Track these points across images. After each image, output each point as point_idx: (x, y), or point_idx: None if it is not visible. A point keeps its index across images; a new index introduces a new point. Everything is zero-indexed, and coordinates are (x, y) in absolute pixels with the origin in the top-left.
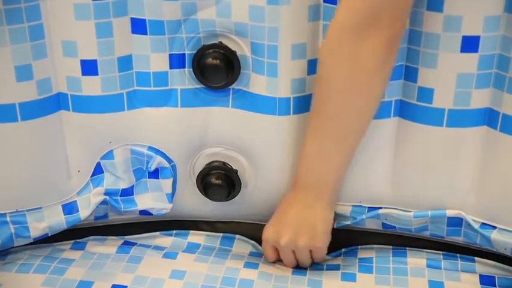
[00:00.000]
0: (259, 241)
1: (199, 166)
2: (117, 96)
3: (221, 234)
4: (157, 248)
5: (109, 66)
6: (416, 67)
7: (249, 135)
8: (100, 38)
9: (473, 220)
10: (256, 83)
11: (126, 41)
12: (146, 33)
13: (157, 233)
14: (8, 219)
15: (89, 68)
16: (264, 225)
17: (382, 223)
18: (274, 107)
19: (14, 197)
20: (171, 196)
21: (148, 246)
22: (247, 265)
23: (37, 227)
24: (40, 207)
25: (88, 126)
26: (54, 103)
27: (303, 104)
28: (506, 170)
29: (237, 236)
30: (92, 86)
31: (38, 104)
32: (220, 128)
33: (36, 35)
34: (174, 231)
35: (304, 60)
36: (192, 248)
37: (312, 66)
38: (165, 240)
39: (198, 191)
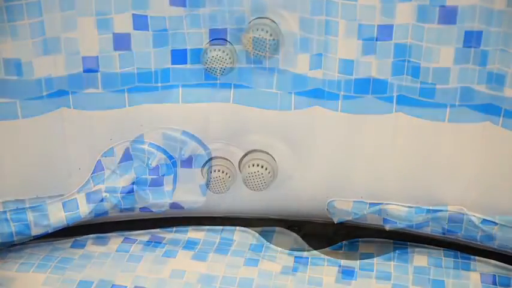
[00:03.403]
0: (260, 232)
1: (200, 162)
2: (117, 93)
3: (221, 227)
4: (158, 245)
5: (110, 62)
6: (419, 62)
7: (250, 130)
8: (101, 35)
9: (474, 216)
10: (258, 78)
11: (127, 37)
12: (148, 29)
13: (158, 230)
14: (8, 216)
15: (90, 64)
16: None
17: (383, 219)
18: (276, 102)
19: (14, 194)
20: (171, 192)
21: (148, 244)
22: (248, 262)
23: (37, 225)
24: (40, 205)
25: (89, 123)
26: (55, 100)
27: (304, 99)
28: (508, 165)
29: (237, 228)
30: (92, 83)
31: (38, 102)
32: (221, 124)
33: (37, 32)
34: (174, 228)
35: (307, 55)
36: (192, 245)
37: (315, 62)
38: (165, 236)
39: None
